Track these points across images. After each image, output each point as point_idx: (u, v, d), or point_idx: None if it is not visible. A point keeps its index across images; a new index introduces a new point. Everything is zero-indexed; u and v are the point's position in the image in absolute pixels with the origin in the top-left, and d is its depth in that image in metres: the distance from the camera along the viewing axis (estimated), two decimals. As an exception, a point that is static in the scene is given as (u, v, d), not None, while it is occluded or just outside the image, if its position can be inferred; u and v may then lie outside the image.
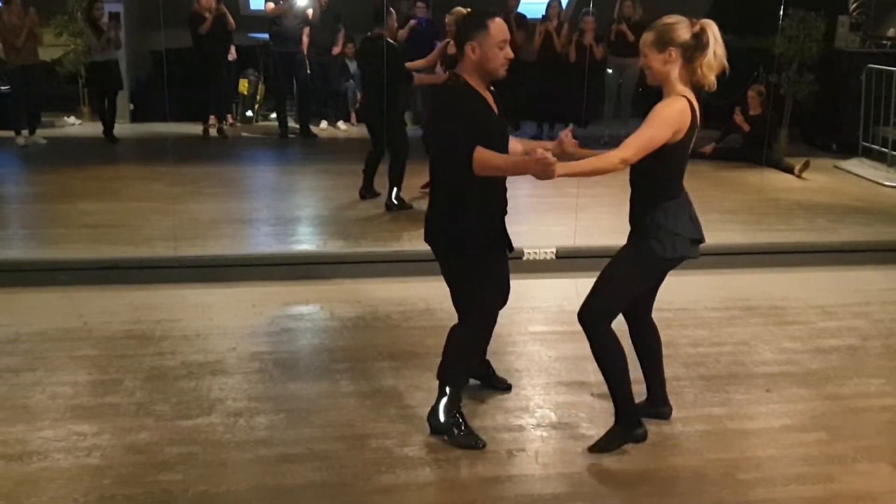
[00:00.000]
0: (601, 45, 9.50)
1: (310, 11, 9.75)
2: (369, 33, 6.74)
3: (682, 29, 3.01)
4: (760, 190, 7.62)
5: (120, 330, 4.31)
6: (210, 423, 3.39)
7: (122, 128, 9.57)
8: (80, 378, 3.77)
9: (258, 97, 10.64)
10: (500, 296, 3.49)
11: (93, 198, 6.82)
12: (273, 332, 4.38)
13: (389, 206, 6.59)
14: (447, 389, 3.29)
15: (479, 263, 3.25)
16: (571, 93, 8.94)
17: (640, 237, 3.17)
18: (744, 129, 8.91)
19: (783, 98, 9.52)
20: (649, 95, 11.07)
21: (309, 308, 4.74)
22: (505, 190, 3.34)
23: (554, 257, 5.44)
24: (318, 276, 5.19)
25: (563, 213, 6.38)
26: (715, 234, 6.14)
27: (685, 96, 3.00)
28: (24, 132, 8.87)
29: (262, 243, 5.87)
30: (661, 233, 3.10)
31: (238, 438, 3.29)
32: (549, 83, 9.73)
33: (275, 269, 5.26)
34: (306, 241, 5.97)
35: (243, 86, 10.50)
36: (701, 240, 3.26)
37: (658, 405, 3.49)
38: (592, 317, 3.17)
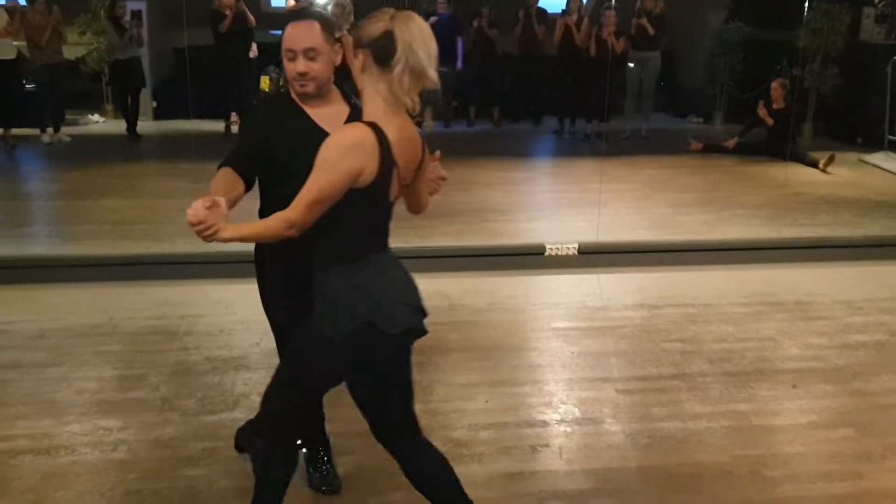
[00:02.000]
0: (622, 40, 9.44)
1: (329, 8, 9.77)
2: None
3: (376, 22, 2.17)
4: (785, 184, 7.55)
5: (144, 325, 4.34)
6: (234, 419, 3.40)
7: (145, 125, 9.64)
8: (105, 373, 3.80)
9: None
10: None
11: (116, 195, 6.88)
12: (296, 327, 4.39)
13: None
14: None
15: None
16: (592, 87, 8.91)
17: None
18: (767, 122, 8.82)
19: (807, 91, 9.43)
20: (672, 89, 11.05)
21: (331, 304, 4.74)
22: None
23: (576, 253, 5.41)
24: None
25: (585, 207, 6.35)
26: (739, 230, 6.17)
27: (370, 123, 2.15)
28: (49, 130, 8.96)
29: (285, 239, 5.88)
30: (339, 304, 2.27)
31: (262, 433, 3.30)
32: (569, 78, 9.70)
33: (297, 264, 5.27)
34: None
35: (264, 83, 10.52)
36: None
37: None
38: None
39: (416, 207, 2.53)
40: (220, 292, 4.83)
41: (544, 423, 3.43)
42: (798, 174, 8.01)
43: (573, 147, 9.66)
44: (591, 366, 3.97)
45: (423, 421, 3.37)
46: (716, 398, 3.67)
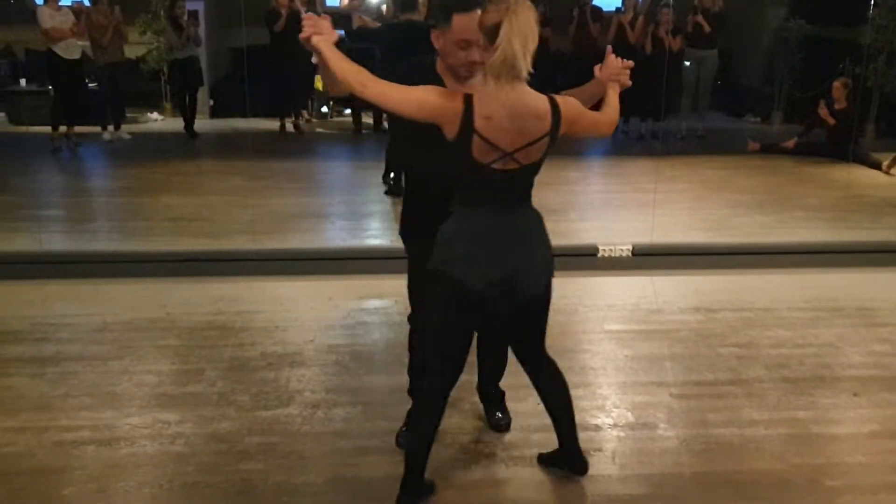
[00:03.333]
0: (678, 38, 9.30)
1: (384, 7, 9.83)
2: (396, 20, 6.62)
3: (493, 11, 2.46)
4: (847, 186, 7.36)
5: (202, 321, 4.43)
6: (289, 415, 3.45)
7: (202, 123, 9.83)
8: (164, 367, 3.88)
9: (333, 93, 10.77)
10: None
11: (174, 191, 7.03)
12: (349, 325, 4.43)
13: None
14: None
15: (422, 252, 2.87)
16: (647, 86, 8.79)
17: None
18: (828, 122, 8.60)
19: (870, 91, 9.17)
20: (729, 88, 10.88)
21: (383, 302, 4.78)
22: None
23: (630, 254, 5.35)
24: (392, 270, 5.19)
25: (639, 208, 6.28)
26: (799, 232, 6.03)
27: (467, 94, 2.49)
28: (110, 128, 9.19)
29: (337, 237, 5.95)
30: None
31: (316, 430, 3.34)
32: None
33: (349, 262, 5.32)
34: (380, 236, 6.02)
35: (318, 81, 10.65)
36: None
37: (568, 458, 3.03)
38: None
39: (602, 134, 2.86)
40: (276, 289, 4.90)
41: (597, 427, 3.40)
42: (860, 176, 7.80)
43: (627, 146, 9.55)
44: (645, 369, 3.92)
45: (475, 422, 3.40)
46: (773, 405, 3.60)
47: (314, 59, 9.62)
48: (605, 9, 10.14)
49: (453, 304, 2.64)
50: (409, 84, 2.52)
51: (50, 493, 2.91)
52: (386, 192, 6.88)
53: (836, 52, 9.45)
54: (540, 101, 2.55)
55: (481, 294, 2.60)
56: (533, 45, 2.43)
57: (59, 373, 3.80)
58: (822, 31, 10.09)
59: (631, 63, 2.90)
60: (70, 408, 3.48)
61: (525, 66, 2.42)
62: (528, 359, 2.93)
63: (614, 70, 2.89)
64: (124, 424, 3.35)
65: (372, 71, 2.52)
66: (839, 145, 8.26)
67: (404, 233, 3.10)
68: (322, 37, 2.46)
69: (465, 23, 2.63)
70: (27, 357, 3.97)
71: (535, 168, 2.62)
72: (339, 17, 9.78)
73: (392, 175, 6.94)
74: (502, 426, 3.35)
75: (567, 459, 3.03)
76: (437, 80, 2.73)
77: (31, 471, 3.03)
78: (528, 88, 2.51)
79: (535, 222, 2.72)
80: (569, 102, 2.63)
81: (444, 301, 2.65)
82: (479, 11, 2.58)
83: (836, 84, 8.69)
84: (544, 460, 3.11)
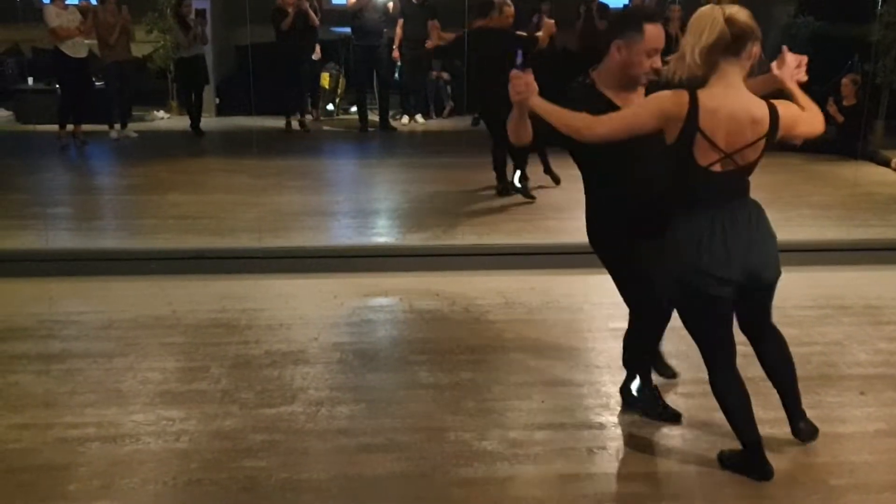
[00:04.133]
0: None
1: (390, 5, 9.82)
2: (478, 24, 6.69)
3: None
4: (855, 184, 7.31)
5: (206, 318, 4.43)
6: (292, 412, 3.45)
7: (208, 121, 9.84)
8: (168, 364, 3.89)
9: (339, 91, 10.78)
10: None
11: (180, 189, 7.05)
12: (353, 322, 4.43)
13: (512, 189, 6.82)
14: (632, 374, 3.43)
15: (623, 256, 3.17)
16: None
17: None
18: (837, 119, 8.55)
19: (879, 88, 9.11)
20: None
21: (388, 300, 4.78)
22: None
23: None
24: (397, 268, 5.22)
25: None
26: (806, 230, 6.00)
27: (691, 90, 2.70)
28: (117, 126, 9.21)
29: (343, 235, 5.95)
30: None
31: (320, 427, 3.34)
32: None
33: (355, 260, 5.32)
34: (385, 234, 6.02)
35: (324, 79, 10.66)
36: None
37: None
38: None
39: (814, 134, 2.94)
40: (281, 287, 4.90)
41: (601, 426, 3.39)
42: (869, 173, 7.76)
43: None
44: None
45: (479, 419, 3.40)
46: (778, 404, 3.55)
47: (315, 56, 9.71)
48: (611, 6, 10.11)
49: (702, 307, 2.81)
50: (586, 109, 2.72)
51: (55, 489, 2.92)
52: (500, 193, 6.87)
53: (845, 49, 9.40)
54: (759, 105, 2.65)
55: (738, 282, 2.74)
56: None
57: (64, 370, 3.81)
58: (830, 28, 10.04)
59: (806, 57, 2.99)
60: (75, 405, 3.50)
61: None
62: (758, 332, 3.10)
63: (793, 66, 2.94)
64: (129, 421, 3.36)
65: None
66: (848, 142, 8.20)
67: (602, 240, 3.21)
68: (532, 94, 2.59)
69: (656, 33, 2.88)
70: (33, 354, 3.99)
71: (751, 168, 2.75)
72: (351, 17, 9.79)
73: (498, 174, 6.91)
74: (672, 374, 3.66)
75: (794, 425, 3.17)
76: (603, 101, 2.91)
77: (36, 467, 3.04)
78: (748, 92, 2.66)
79: (758, 212, 2.82)
80: (789, 108, 2.73)
81: (695, 307, 2.83)
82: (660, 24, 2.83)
83: (845, 81, 8.65)
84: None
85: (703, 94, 2.60)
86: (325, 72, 10.61)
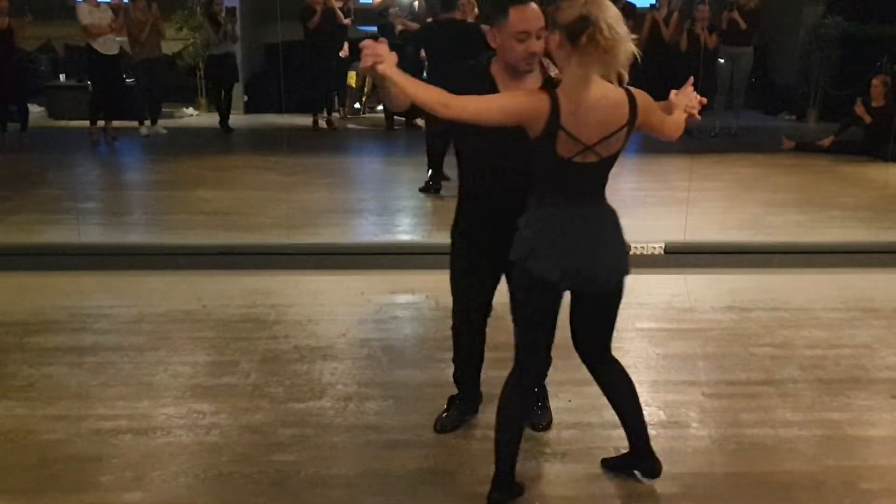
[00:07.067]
0: (714, 35, 9.21)
1: (416, 4, 9.84)
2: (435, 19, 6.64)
3: (570, 7, 2.47)
4: (884, 185, 7.25)
5: (236, 313, 4.48)
6: (321, 407, 3.48)
7: (237, 118, 9.93)
8: (199, 358, 3.94)
9: (366, 89, 10.82)
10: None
11: (210, 186, 7.12)
12: (381, 319, 4.46)
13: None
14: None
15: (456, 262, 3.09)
16: (681, 83, 8.70)
17: None
18: (866, 120, 8.47)
19: (910, 88, 9.00)
20: (764, 86, 10.72)
21: (414, 297, 4.80)
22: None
23: (662, 252, 5.32)
24: (423, 265, 5.23)
25: (672, 206, 6.24)
26: (835, 232, 5.95)
27: (551, 91, 2.51)
28: (147, 122, 9.32)
29: (370, 232, 5.99)
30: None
31: (348, 423, 3.37)
32: (657, 73, 9.50)
33: (381, 257, 5.35)
34: (411, 232, 6.05)
35: (351, 78, 10.71)
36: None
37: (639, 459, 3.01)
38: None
39: (665, 136, 2.87)
40: (309, 283, 4.95)
41: (628, 425, 3.38)
42: (899, 175, 7.68)
43: (660, 144, 9.44)
44: (677, 368, 3.90)
45: (507, 417, 3.39)
46: (808, 406, 3.56)
47: (342, 53, 9.77)
48: (638, 5, 10.06)
49: (535, 293, 2.67)
50: (467, 90, 2.55)
51: (87, 480, 2.97)
52: (422, 190, 6.88)
53: (874, 50, 9.29)
54: (617, 92, 2.55)
55: (557, 284, 2.63)
56: (624, 32, 2.44)
57: (96, 363, 3.88)
58: (859, 28, 9.92)
59: (705, 100, 2.93)
60: (107, 397, 3.55)
61: (630, 49, 2.43)
62: (593, 358, 2.95)
63: (690, 100, 2.88)
64: (160, 414, 3.41)
65: (418, 76, 2.52)
66: (876, 144, 8.12)
67: (461, 231, 3.09)
68: (386, 64, 2.43)
69: (521, 15, 2.67)
70: (66, 347, 4.05)
71: (612, 161, 2.63)
72: (377, 16, 9.84)
73: (430, 172, 6.92)
74: (542, 425, 3.35)
75: (638, 462, 3.00)
76: (491, 82, 2.77)
77: (69, 458, 3.10)
78: (603, 81, 2.50)
79: (611, 218, 2.71)
80: (642, 94, 2.63)
81: (526, 290, 2.69)
82: (532, 5, 2.65)
83: (875, 82, 8.55)
84: (610, 465, 3.08)
85: (562, 93, 2.48)
86: (352, 70, 10.67)
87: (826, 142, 8.70)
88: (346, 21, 9.58)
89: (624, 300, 4.67)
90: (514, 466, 2.83)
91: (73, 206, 6.40)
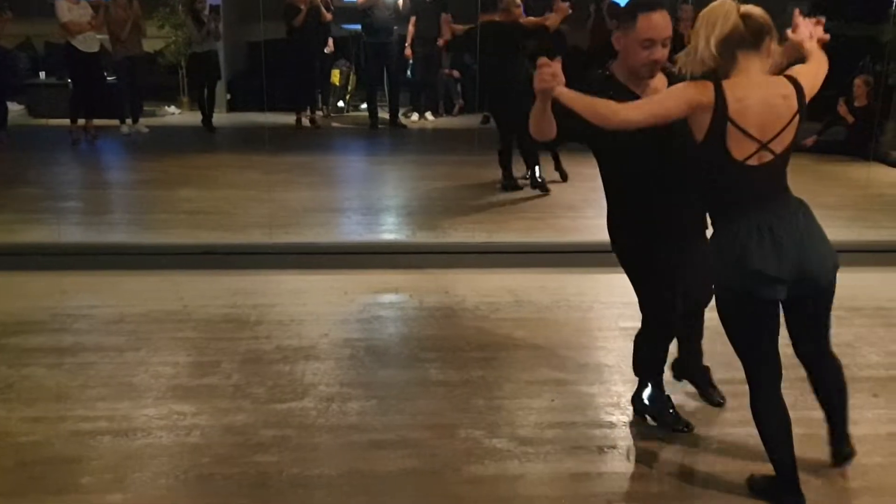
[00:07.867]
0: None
1: (400, 2, 9.81)
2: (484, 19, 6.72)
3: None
4: (866, 185, 7.28)
5: (218, 313, 4.45)
6: (303, 408, 3.46)
7: (220, 117, 9.86)
8: (180, 359, 3.90)
9: (349, 88, 10.79)
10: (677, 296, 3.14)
11: (192, 185, 7.06)
12: (364, 319, 4.44)
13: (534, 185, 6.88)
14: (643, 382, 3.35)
15: (641, 258, 3.10)
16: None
17: None
18: (848, 120, 8.53)
19: (891, 88, 9.06)
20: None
21: (398, 297, 4.78)
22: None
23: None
24: (407, 265, 5.23)
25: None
26: (818, 231, 5.96)
27: (716, 80, 2.58)
28: (128, 121, 9.24)
29: (353, 232, 5.96)
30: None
31: (330, 423, 3.35)
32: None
33: (365, 257, 5.33)
34: (395, 231, 6.03)
35: (335, 76, 10.67)
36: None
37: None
38: None
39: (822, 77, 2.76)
40: (292, 282, 4.91)
41: (612, 425, 3.39)
42: (880, 174, 7.73)
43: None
44: (661, 367, 3.90)
45: (489, 417, 3.40)
46: (790, 404, 3.49)
47: (327, 50, 9.73)
48: (622, 5, 10.08)
49: (749, 315, 2.66)
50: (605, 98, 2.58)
51: (67, 482, 2.93)
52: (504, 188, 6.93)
53: (857, 50, 9.36)
54: (783, 83, 2.55)
55: (777, 297, 2.59)
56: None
57: (76, 363, 3.83)
58: (842, 28, 9.99)
59: (822, 19, 2.88)
60: (87, 398, 3.51)
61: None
62: (815, 356, 2.91)
63: (808, 26, 2.82)
64: (141, 415, 3.38)
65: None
66: (859, 143, 8.18)
67: (621, 240, 3.11)
68: (559, 83, 2.45)
69: (649, 23, 2.71)
70: (46, 347, 4.00)
71: (787, 156, 2.58)
72: (362, 14, 9.78)
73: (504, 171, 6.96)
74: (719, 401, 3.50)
75: (834, 447, 3.02)
76: (623, 90, 2.80)
77: (48, 460, 3.06)
78: (770, 78, 2.54)
79: (806, 209, 2.65)
80: (801, 73, 2.61)
81: (744, 317, 2.67)
82: (663, 12, 2.69)
83: (858, 81, 8.62)
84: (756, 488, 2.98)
85: (727, 84, 2.49)
86: (336, 68, 10.63)
87: (809, 141, 8.74)
88: (328, 16, 9.55)
89: (608, 299, 4.71)
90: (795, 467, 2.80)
91: (53, 205, 6.34)
